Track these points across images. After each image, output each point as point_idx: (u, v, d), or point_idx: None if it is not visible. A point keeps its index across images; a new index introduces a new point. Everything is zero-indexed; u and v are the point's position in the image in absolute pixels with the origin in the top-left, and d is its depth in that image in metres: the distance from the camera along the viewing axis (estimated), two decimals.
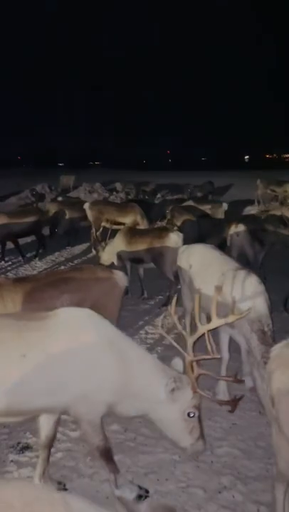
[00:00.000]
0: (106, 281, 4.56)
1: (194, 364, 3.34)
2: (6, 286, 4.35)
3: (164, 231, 7.78)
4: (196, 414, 3.27)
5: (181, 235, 7.51)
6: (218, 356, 3.80)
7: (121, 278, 4.63)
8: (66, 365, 3.07)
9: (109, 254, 7.93)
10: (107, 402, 3.20)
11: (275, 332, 4.45)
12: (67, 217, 11.83)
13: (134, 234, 7.90)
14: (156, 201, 17.02)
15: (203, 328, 3.45)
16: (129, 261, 7.81)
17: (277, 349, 2.89)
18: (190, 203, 12.65)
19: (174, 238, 7.35)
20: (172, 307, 3.72)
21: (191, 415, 3.25)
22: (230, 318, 3.56)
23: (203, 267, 4.99)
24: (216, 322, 3.51)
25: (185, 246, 5.90)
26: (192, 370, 3.30)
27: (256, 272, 5.06)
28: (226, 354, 4.62)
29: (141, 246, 7.49)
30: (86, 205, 11.83)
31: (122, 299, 4.77)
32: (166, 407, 3.23)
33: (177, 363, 3.49)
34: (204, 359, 3.44)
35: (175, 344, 3.60)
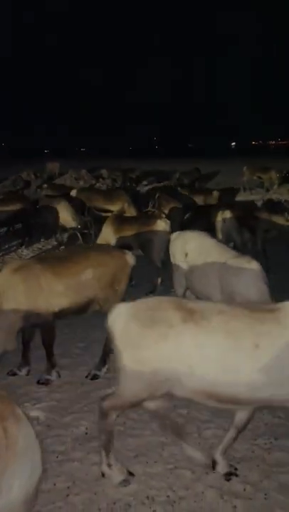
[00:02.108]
0: (120, 258, 5.00)
1: None
2: (37, 264, 4.65)
3: (152, 218, 7.79)
4: None
5: (168, 221, 7.55)
6: None
7: (130, 257, 5.07)
8: None
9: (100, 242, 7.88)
10: None
11: None
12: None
13: (122, 221, 7.88)
14: (142, 188, 16.95)
15: None
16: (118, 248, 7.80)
17: None
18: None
19: (162, 225, 7.38)
20: None
21: None
22: None
23: (201, 255, 4.95)
24: None
25: (178, 233, 5.80)
26: None
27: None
28: None
29: (129, 233, 7.50)
30: (73, 192, 11.73)
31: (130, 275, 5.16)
32: None
33: None
34: None
35: None
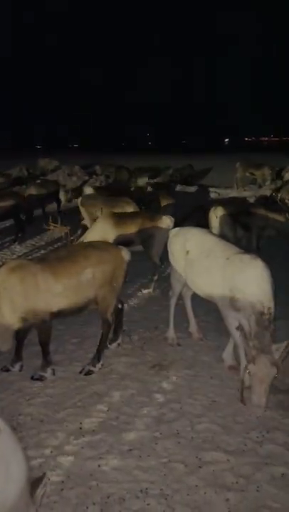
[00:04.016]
0: (116, 255, 5.03)
1: None
2: (36, 264, 4.64)
3: (156, 214, 7.72)
4: None
5: (173, 219, 7.45)
6: None
7: (126, 253, 5.14)
8: None
9: (93, 238, 7.75)
10: None
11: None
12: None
13: (122, 217, 7.72)
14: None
15: None
16: (117, 243, 7.70)
17: None
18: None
19: (167, 222, 7.32)
20: None
21: None
22: None
23: (203, 253, 4.88)
24: None
25: (177, 229, 5.66)
26: None
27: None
28: (238, 338, 4.49)
29: (131, 229, 7.40)
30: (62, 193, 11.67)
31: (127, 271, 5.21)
32: None
33: None
34: None
35: None
